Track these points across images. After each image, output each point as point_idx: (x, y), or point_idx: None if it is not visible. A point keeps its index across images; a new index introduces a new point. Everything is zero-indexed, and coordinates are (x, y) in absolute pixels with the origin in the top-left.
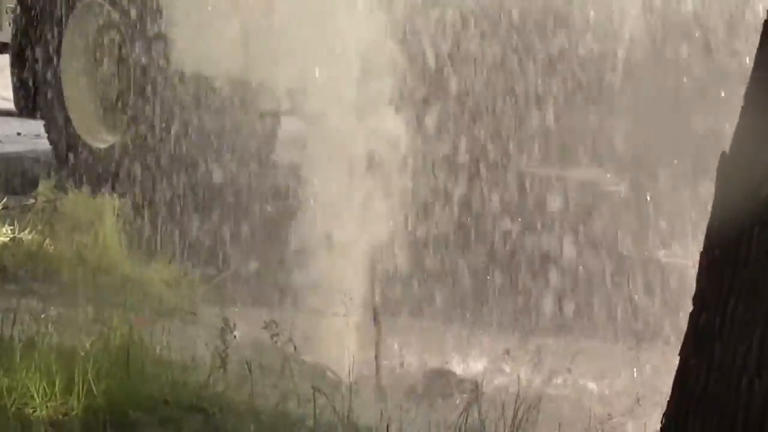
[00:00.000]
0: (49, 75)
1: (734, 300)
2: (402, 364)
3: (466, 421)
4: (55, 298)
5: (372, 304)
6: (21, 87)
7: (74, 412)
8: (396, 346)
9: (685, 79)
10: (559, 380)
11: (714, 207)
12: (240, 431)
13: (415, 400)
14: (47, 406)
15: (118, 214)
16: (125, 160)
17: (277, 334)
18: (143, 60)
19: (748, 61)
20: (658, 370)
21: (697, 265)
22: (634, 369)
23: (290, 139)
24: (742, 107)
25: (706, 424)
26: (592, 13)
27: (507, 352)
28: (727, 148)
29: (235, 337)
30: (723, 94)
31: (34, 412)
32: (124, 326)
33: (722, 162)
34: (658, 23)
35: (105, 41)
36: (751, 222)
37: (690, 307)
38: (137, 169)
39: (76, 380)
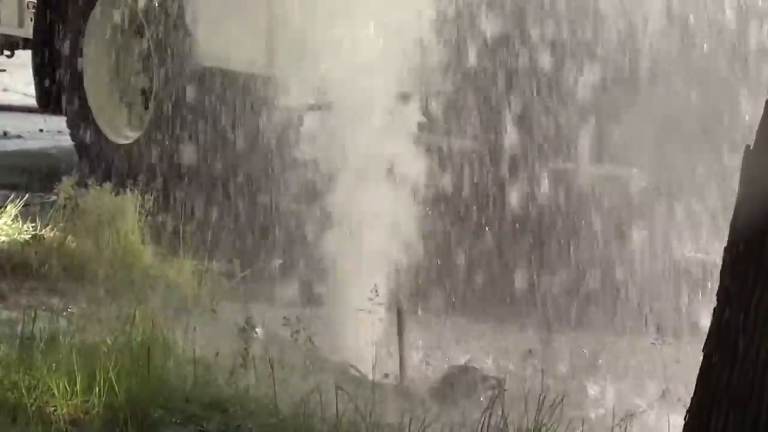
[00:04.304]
0: (71, 71)
1: (758, 294)
2: (426, 362)
3: (490, 419)
4: (76, 295)
5: (396, 301)
6: (43, 83)
7: (95, 411)
8: (420, 343)
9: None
10: (583, 377)
11: (738, 201)
12: (262, 430)
13: (438, 397)
14: (68, 405)
15: (140, 211)
16: (147, 156)
17: (298, 332)
18: (167, 55)
19: None
20: (683, 366)
21: (721, 261)
22: (658, 365)
23: (314, 135)
24: (767, 101)
25: (730, 420)
26: None
27: (530, 351)
28: (751, 143)
29: (256, 334)
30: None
31: (55, 410)
32: (146, 323)
33: (746, 156)
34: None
35: (127, 35)
36: None
37: (714, 303)
38: (159, 166)
39: (97, 378)
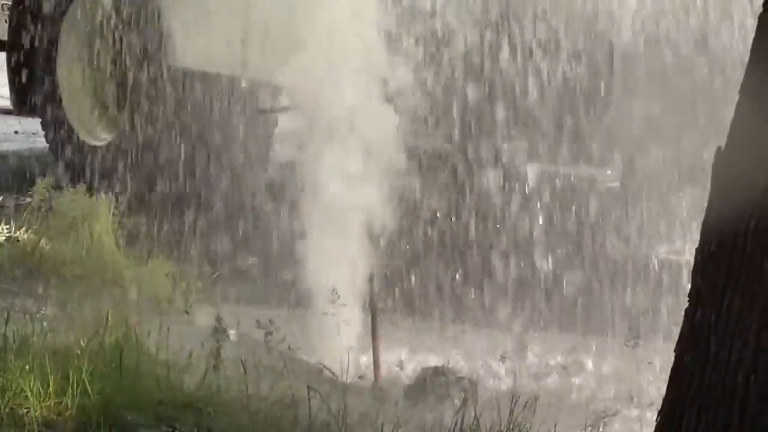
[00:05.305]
0: (46, 73)
1: (730, 295)
2: (399, 363)
3: (462, 419)
4: (50, 297)
5: (369, 303)
6: (18, 85)
7: (68, 412)
8: (393, 345)
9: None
10: (555, 378)
11: (710, 203)
12: (234, 431)
13: (411, 398)
14: (41, 406)
15: (113, 213)
16: (121, 158)
17: (271, 333)
18: (140, 57)
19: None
20: (655, 366)
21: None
22: (631, 365)
23: (287, 136)
24: (738, 102)
25: (702, 420)
26: None
27: (504, 352)
28: (722, 144)
29: (228, 336)
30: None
31: (28, 412)
32: (119, 326)
33: (718, 158)
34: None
35: (102, 38)
36: (746, 217)
37: (686, 304)
38: (133, 167)
39: (70, 380)
